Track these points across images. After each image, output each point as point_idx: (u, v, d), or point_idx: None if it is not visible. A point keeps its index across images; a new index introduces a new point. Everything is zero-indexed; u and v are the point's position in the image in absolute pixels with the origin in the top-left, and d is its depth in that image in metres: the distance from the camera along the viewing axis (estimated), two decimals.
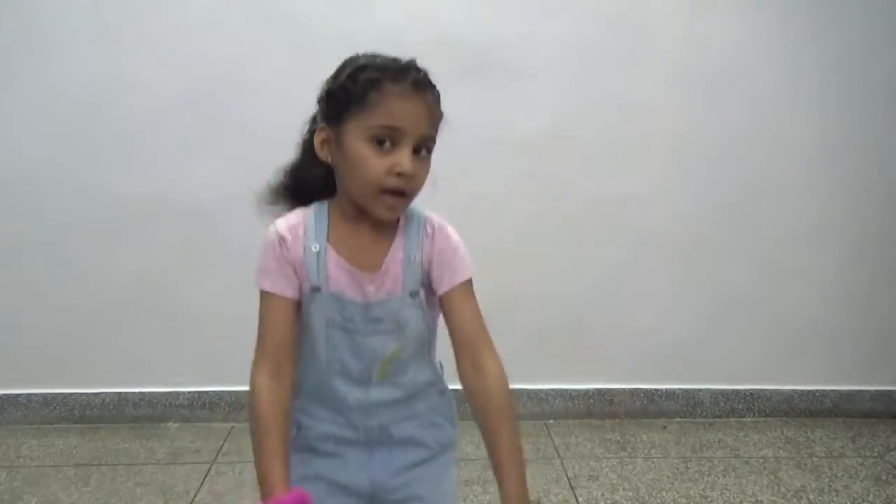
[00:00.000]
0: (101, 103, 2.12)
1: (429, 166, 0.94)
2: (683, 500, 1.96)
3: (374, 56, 0.93)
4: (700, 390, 2.46)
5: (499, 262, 2.29)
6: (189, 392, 2.34)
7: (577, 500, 1.94)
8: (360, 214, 0.95)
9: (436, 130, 0.94)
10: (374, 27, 2.06)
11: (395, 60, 0.92)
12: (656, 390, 2.45)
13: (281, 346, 0.99)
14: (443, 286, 0.97)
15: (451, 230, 1.00)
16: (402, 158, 0.88)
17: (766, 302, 2.40)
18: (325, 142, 0.94)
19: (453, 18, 2.13)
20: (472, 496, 1.95)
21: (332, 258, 0.95)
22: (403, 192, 0.91)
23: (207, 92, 2.14)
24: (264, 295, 1.00)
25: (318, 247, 0.95)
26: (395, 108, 0.88)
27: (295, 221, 0.98)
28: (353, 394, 1.00)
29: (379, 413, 1.02)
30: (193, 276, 2.25)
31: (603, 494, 1.98)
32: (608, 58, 2.20)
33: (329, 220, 0.97)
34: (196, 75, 2.12)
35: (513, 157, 2.22)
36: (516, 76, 2.18)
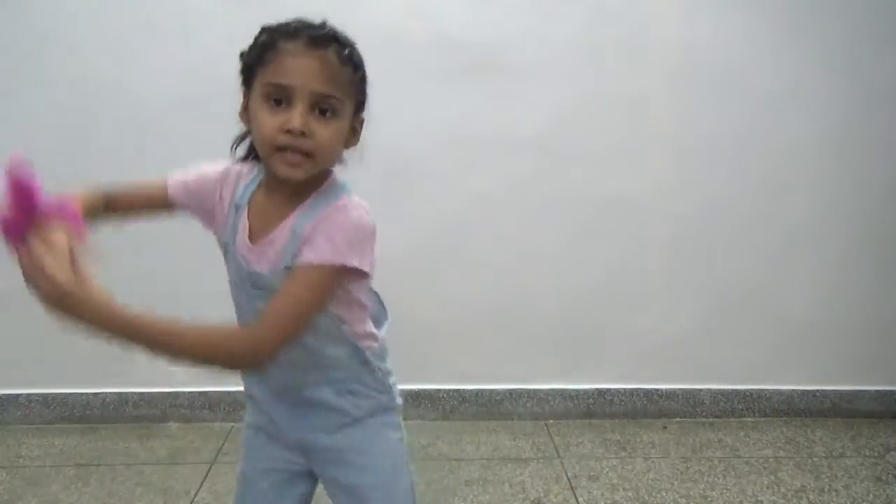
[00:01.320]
0: (100, 103, 2.12)
1: (336, 128, 0.90)
2: (683, 500, 1.96)
3: (287, 20, 0.93)
4: (700, 390, 2.46)
5: (498, 262, 2.29)
6: (189, 392, 2.34)
7: (577, 500, 1.94)
8: (277, 182, 0.94)
9: (339, 90, 0.89)
10: (374, 27, 2.05)
11: (300, 20, 0.91)
12: (656, 390, 2.45)
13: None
14: (294, 258, 0.89)
15: (355, 215, 0.90)
16: (292, 115, 0.86)
17: (767, 302, 2.39)
18: (244, 109, 0.95)
19: (453, 18, 2.13)
20: (472, 496, 1.95)
21: (243, 221, 0.98)
22: (301, 150, 0.87)
23: (207, 92, 2.13)
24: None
25: (239, 204, 0.99)
26: (286, 65, 0.87)
27: (238, 171, 1.03)
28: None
29: (284, 374, 1.01)
30: (193, 275, 2.25)
31: (603, 494, 1.97)
32: (608, 57, 2.20)
33: (258, 183, 1.00)
34: (196, 75, 2.12)
35: (512, 157, 2.22)
36: (516, 76, 2.18)
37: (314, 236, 0.89)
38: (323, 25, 0.92)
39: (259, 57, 0.90)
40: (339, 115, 0.91)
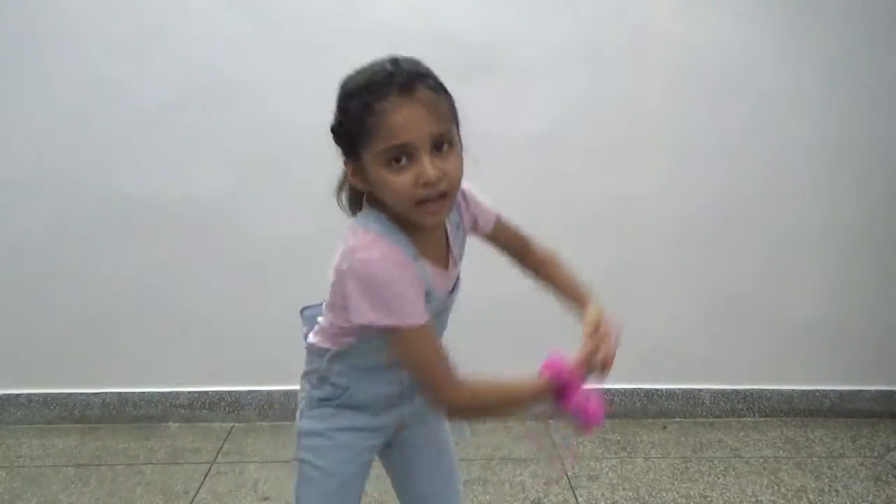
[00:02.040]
0: (101, 103, 2.12)
1: (458, 156, 0.93)
2: (683, 500, 1.96)
3: (358, 73, 0.90)
4: (700, 390, 2.46)
5: (498, 262, 2.29)
6: (189, 392, 2.34)
7: (577, 500, 1.94)
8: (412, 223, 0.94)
9: (447, 120, 0.91)
10: (374, 27, 2.06)
11: (377, 71, 0.88)
12: (656, 390, 2.45)
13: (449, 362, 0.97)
14: (488, 225, 1.12)
15: (466, 185, 1.03)
16: (422, 168, 0.86)
17: (767, 302, 2.39)
18: (354, 173, 0.94)
19: (453, 18, 2.13)
20: (472, 496, 1.95)
21: (428, 270, 0.97)
22: (440, 194, 0.89)
23: (207, 92, 2.14)
24: (416, 329, 0.91)
25: (416, 256, 0.95)
26: (395, 124, 0.85)
27: (380, 240, 0.91)
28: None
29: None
30: (193, 276, 2.25)
31: (603, 494, 1.97)
32: (608, 57, 2.20)
33: (399, 229, 0.94)
34: (196, 75, 2.12)
35: (512, 157, 2.22)
36: (516, 76, 2.18)
37: (482, 205, 1.11)
38: (398, 64, 0.89)
39: (359, 127, 0.87)
40: (454, 142, 0.92)
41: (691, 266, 2.36)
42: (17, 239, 2.20)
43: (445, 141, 0.90)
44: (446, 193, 0.90)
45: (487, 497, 1.95)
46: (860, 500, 1.97)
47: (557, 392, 0.98)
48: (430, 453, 1.18)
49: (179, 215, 2.20)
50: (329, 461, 1.07)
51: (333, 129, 0.94)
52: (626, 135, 2.24)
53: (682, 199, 2.30)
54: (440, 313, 1.05)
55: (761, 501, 1.96)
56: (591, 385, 1.00)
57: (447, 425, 1.20)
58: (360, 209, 1.00)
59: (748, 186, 2.31)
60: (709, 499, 1.97)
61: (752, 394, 2.46)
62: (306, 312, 1.13)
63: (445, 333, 1.08)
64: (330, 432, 1.06)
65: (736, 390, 2.46)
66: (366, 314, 0.90)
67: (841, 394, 2.48)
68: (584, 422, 1.00)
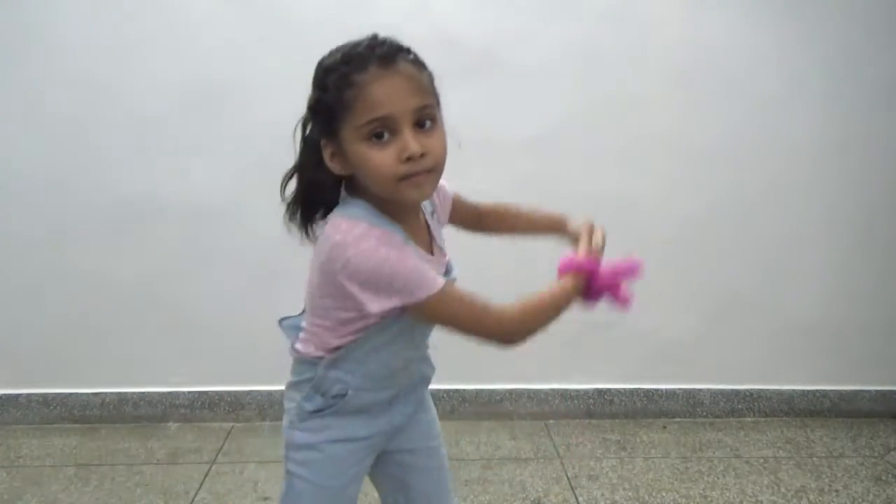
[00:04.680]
0: (101, 103, 2.12)
1: (441, 134, 0.89)
2: (683, 500, 1.96)
3: (336, 50, 0.88)
4: (700, 390, 2.46)
5: (498, 262, 2.29)
6: (189, 392, 2.34)
7: (577, 500, 1.94)
8: (396, 206, 0.92)
9: (430, 95, 0.88)
10: (374, 26, 2.05)
11: (356, 45, 0.87)
12: (656, 390, 2.45)
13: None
14: (449, 208, 1.12)
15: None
16: (405, 142, 0.83)
17: (767, 302, 2.39)
18: (333, 156, 0.90)
19: (453, 17, 2.13)
20: (472, 496, 1.95)
21: (416, 248, 0.95)
22: (425, 171, 0.86)
23: (207, 92, 2.14)
24: (438, 294, 0.87)
25: (406, 239, 0.92)
26: (375, 96, 0.82)
27: (370, 229, 0.88)
28: (417, 363, 1.09)
29: (420, 366, 1.11)
30: (193, 276, 2.25)
31: (603, 494, 1.97)
32: (608, 57, 2.20)
33: (384, 216, 0.92)
34: (196, 75, 2.12)
35: (512, 157, 2.22)
36: (516, 76, 2.18)
37: (443, 191, 1.10)
38: (376, 39, 0.87)
39: (338, 100, 0.84)
40: (437, 119, 0.89)
41: (691, 266, 2.35)
42: (17, 239, 2.20)
43: (428, 117, 0.87)
44: (433, 169, 0.87)
45: (487, 497, 1.95)
46: (860, 500, 1.97)
47: (586, 282, 1.04)
48: (424, 454, 1.16)
49: (179, 215, 2.20)
50: (320, 475, 1.03)
51: (311, 106, 0.90)
52: (626, 136, 2.24)
53: (682, 200, 2.30)
54: None
55: (761, 501, 1.96)
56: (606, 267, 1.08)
57: (437, 426, 1.19)
58: (312, 224, 0.96)
59: (748, 187, 2.31)
60: (709, 499, 1.97)
61: (752, 394, 2.46)
62: (284, 323, 1.09)
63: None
64: (323, 445, 1.02)
65: (736, 390, 2.46)
66: (382, 303, 0.86)
67: (841, 394, 2.48)
68: (620, 298, 1.10)
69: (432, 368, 1.15)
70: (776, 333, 2.42)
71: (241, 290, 2.26)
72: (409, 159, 0.84)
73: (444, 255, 1.05)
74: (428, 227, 1.03)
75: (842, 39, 2.22)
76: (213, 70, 2.13)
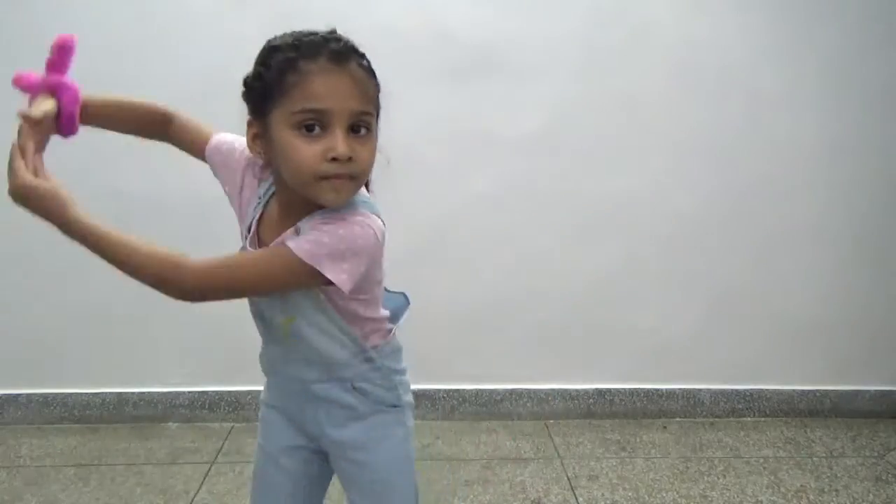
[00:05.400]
0: None
1: (372, 145, 0.86)
2: (683, 500, 1.96)
3: (289, 34, 0.86)
4: (700, 390, 2.46)
5: (498, 262, 2.29)
6: (189, 392, 2.34)
7: (577, 500, 1.94)
8: (292, 202, 0.89)
9: (372, 104, 0.85)
10: (373, 26, 2.05)
11: (312, 34, 0.84)
12: (656, 390, 2.45)
13: None
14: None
15: (354, 229, 0.86)
16: (335, 142, 0.80)
17: (766, 302, 2.39)
18: (255, 137, 0.88)
19: (453, 17, 2.13)
20: (472, 496, 1.95)
21: (254, 223, 0.96)
22: (348, 177, 0.83)
23: (207, 92, 2.13)
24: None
25: (260, 197, 0.95)
26: (316, 87, 0.80)
27: (259, 166, 0.95)
28: (272, 350, 1.08)
29: (293, 369, 1.04)
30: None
31: (603, 494, 1.97)
32: (608, 57, 2.20)
33: (272, 193, 0.96)
34: (196, 75, 2.12)
35: (512, 156, 2.22)
36: (516, 75, 2.18)
37: (306, 232, 0.86)
38: (335, 35, 0.85)
39: (278, 82, 0.82)
40: (373, 130, 0.86)
41: (691, 265, 2.36)
42: (17, 239, 2.20)
43: (364, 124, 0.84)
44: (355, 177, 0.84)
45: (487, 497, 1.95)
46: (860, 500, 1.97)
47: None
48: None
49: (179, 215, 2.19)
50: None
51: (247, 82, 0.88)
52: (625, 134, 2.25)
53: (681, 199, 2.31)
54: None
55: (761, 501, 1.96)
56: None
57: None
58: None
59: (748, 186, 2.31)
60: (709, 499, 1.97)
61: (752, 394, 2.46)
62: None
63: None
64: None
65: (736, 390, 2.46)
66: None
67: (841, 394, 2.48)
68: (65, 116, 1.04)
69: (316, 376, 1.02)
70: (776, 333, 2.42)
71: None
72: (334, 159, 0.81)
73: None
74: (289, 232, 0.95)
75: (837, 38, 2.23)
76: (215, 68, 2.12)
